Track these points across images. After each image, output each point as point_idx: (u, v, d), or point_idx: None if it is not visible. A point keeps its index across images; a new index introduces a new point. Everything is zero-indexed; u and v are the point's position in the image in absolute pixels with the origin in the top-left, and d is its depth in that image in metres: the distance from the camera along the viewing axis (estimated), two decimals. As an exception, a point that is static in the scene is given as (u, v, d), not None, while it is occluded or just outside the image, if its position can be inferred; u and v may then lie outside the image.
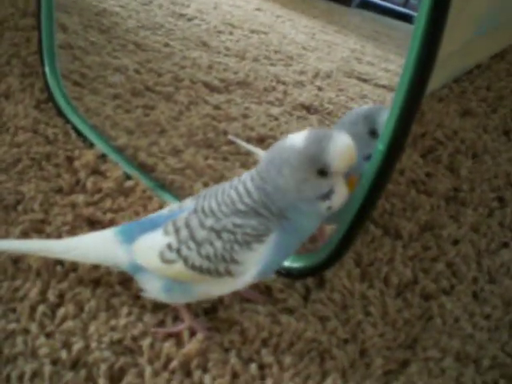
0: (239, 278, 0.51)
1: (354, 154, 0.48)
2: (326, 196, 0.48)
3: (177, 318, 0.55)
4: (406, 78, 0.48)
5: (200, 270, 0.50)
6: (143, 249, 0.53)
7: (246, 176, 0.51)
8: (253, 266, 0.50)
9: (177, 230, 0.51)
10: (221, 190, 0.51)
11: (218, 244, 0.49)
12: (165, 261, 0.51)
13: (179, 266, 0.51)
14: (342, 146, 0.47)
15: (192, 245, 0.50)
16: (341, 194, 0.49)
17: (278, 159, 0.48)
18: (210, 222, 0.50)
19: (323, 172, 0.47)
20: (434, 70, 0.48)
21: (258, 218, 0.49)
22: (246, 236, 0.49)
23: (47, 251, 0.57)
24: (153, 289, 0.53)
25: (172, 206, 0.55)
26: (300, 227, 0.50)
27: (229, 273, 0.50)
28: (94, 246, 0.55)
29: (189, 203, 0.53)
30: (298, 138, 0.48)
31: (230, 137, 0.76)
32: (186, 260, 0.50)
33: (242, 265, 0.50)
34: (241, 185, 0.50)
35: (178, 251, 0.51)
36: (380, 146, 0.50)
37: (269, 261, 0.50)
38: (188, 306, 0.55)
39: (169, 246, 0.51)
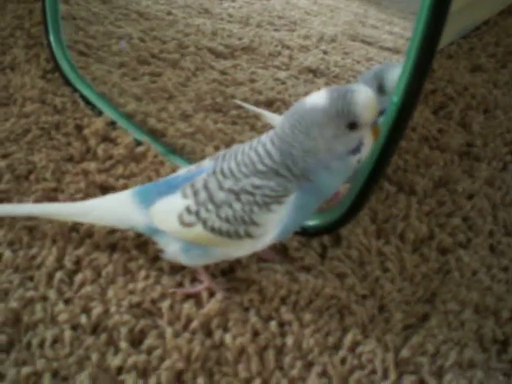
0: (259, 239, 0.50)
1: (377, 103, 0.47)
2: (357, 149, 0.48)
3: (195, 280, 0.55)
4: (420, 29, 0.47)
5: (219, 232, 0.50)
6: (161, 212, 0.52)
7: (266, 138, 0.50)
8: (272, 227, 0.50)
9: (195, 193, 0.50)
10: (240, 151, 0.51)
11: (237, 206, 0.49)
12: (183, 223, 0.51)
13: (198, 229, 0.50)
14: (367, 96, 0.46)
15: (211, 207, 0.50)
16: (368, 145, 0.49)
17: (304, 122, 0.47)
18: (228, 183, 0.49)
19: (353, 125, 0.47)
20: (447, 20, 0.47)
21: (277, 179, 0.48)
22: (265, 197, 0.48)
23: (63, 214, 0.57)
24: (172, 250, 0.53)
25: (190, 167, 0.55)
26: (324, 187, 0.49)
27: (248, 235, 0.50)
28: (111, 208, 0.55)
29: (207, 164, 0.52)
30: (319, 98, 0.47)
31: (236, 101, 0.75)
32: (204, 222, 0.50)
33: (262, 226, 0.49)
34: (260, 146, 0.50)
35: (197, 214, 0.50)
36: (395, 98, 0.50)
37: (288, 222, 0.50)
38: (206, 267, 0.55)
39: (187, 209, 0.51)
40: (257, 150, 0.49)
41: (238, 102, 0.75)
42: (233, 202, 0.49)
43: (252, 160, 0.49)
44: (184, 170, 0.54)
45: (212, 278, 0.55)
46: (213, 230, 0.50)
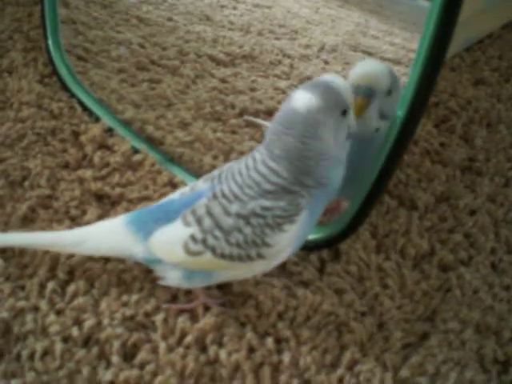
0: (272, 259, 0.49)
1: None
2: (349, 133, 0.49)
3: (190, 292, 0.54)
4: (426, 43, 0.47)
5: (230, 257, 0.48)
6: (162, 242, 0.50)
7: (262, 155, 0.48)
8: (286, 246, 0.49)
9: (199, 220, 0.48)
10: (237, 172, 0.49)
11: (248, 230, 0.47)
12: (190, 253, 0.49)
13: (208, 257, 0.49)
14: (342, 82, 0.48)
15: (219, 234, 0.48)
16: (354, 123, 0.49)
17: (312, 128, 0.46)
18: (235, 207, 0.48)
19: (344, 112, 0.47)
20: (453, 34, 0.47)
21: (288, 197, 0.47)
22: (277, 218, 0.47)
23: (54, 245, 0.54)
24: (172, 278, 0.51)
25: (182, 189, 0.53)
26: (334, 184, 0.49)
27: (261, 256, 0.48)
28: (105, 238, 0.52)
29: (202, 186, 0.50)
30: (308, 100, 0.46)
31: (246, 117, 0.74)
32: (213, 250, 0.48)
33: (275, 247, 0.48)
34: (260, 165, 0.48)
35: (204, 242, 0.48)
36: (399, 112, 0.49)
37: (301, 237, 0.49)
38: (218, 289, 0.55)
39: (192, 238, 0.49)
40: (258, 169, 0.48)
41: (248, 118, 0.74)
42: (242, 226, 0.47)
43: (256, 180, 0.48)
44: (177, 194, 0.52)
45: (207, 292, 0.54)
46: (223, 256, 0.48)
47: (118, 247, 0.52)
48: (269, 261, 0.49)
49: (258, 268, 0.50)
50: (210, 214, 0.48)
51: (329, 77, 0.48)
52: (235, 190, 0.48)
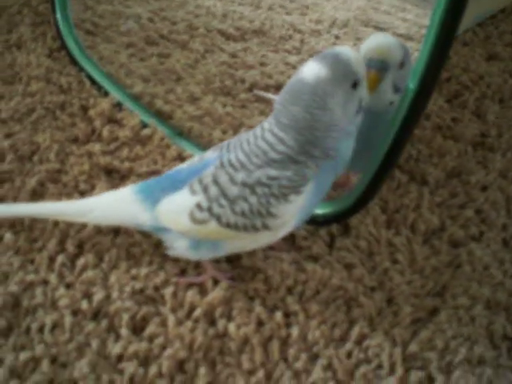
0: (277, 230, 0.49)
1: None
2: (360, 107, 0.48)
3: (199, 266, 0.54)
4: (438, 14, 0.46)
5: (235, 227, 0.48)
6: (169, 211, 0.50)
7: (270, 125, 0.48)
8: (291, 217, 0.48)
9: (205, 188, 0.48)
10: (245, 141, 0.49)
11: (253, 199, 0.47)
12: (196, 221, 0.49)
13: (213, 225, 0.48)
14: (354, 53, 0.47)
15: (224, 202, 0.48)
16: (366, 97, 0.49)
17: (318, 98, 0.46)
18: (241, 176, 0.47)
19: (355, 84, 0.47)
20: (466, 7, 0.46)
21: (294, 167, 0.47)
22: (283, 188, 0.47)
23: (63, 214, 0.54)
24: (179, 247, 0.51)
25: (192, 159, 0.53)
26: (344, 157, 0.49)
27: (266, 227, 0.48)
28: (113, 208, 0.52)
29: (210, 155, 0.50)
30: (317, 70, 0.46)
31: (256, 91, 0.74)
32: (219, 218, 0.48)
33: (280, 217, 0.48)
34: (268, 133, 0.48)
35: (210, 210, 0.48)
36: (411, 85, 0.48)
37: (307, 208, 0.49)
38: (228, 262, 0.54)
39: (198, 206, 0.48)
40: (265, 137, 0.48)
41: (259, 92, 0.73)
42: (248, 195, 0.47)
43: (262, 149, 0.47)
44: (186, 164, 0.52)
45: (216, 266, 0.54)
46: (228, 225, 0.48)
47: (125, 216, 0.52)
48: (274, 232, 0.49)
49: (263, 239, 0.50)
50: (216, 182, 0.48)
51: (341, 48, 0.47)
52: (242, 159, 0.48)
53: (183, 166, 0.52)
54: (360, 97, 0.48)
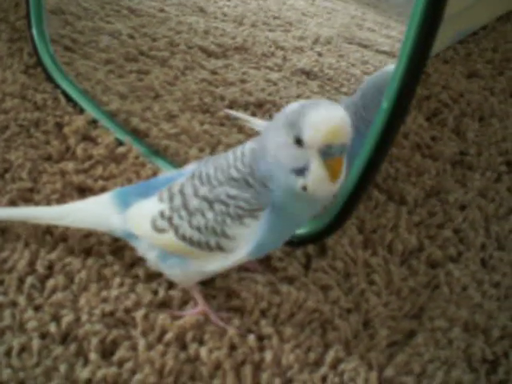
0: (230, 253, 0.48)
1: (338, 131, 0.42)
2: (301, 171, 0.43)
3: (171, 287, 0.53)
4: (412, 32, 0.45)
5: (190, 241, 0.48)
6: (136, 216, 0.50)
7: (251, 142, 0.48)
8: (245, 242, 0.47)
9: (171, 197, 0.48)
10: (223, 156, 0.48)
11: (210, 215, 0.47)
12: (156, 229, 0.49)
13: (169, 236, 0.48)
14: (317, 118, 0.42)
15: (184, 214, 0.47)
16: (317, 176, 0.43)
17: (271, 123, 0.46)
18: (203, 190, 0.47)
19: (299, 141, 0.42)
20: (440, 25, 0.45)
21: (250, 190, 0.46)
22: (239, 209, 0.46)
23: (39, 218, 0.54)
24: (150, 258, 0.51)
25: (174, 170, 0.53)
26: (288, 207, 0.46)
27: (219, 248, 0.47)
28: (89, 211, 0.53)
29: (190, 167, 0.51)
30: (295, 104, 0.45)
31: (226, 110, 0.73)
32: (176, 229, 0.48)
33: (234, 240, 0.47)
34: (239, 150, 0.47)
35: (170, 219, 0.48)
36: (384, 104, 0.48)
37: (262, 239, 0.47)
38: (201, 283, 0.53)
39: (161, 214, 0.49)
40: (235, 152, 0.47)
41: (228, 111, 0.72)
42: (206, 210, 0.47)
43: (228, 164, 0.47)
44: (168, 173, 0.53)
45: (210, 303, 0.53)
46: (184, 238, 0.48)
47: (100, 219, 0.52)
48: (227, 254, 0.47)
49: (216, 261, 0.48)
50: (182, 193, 0.48)
51: (332, 110, 0.43)
52: (210, 173, 0.47)
53: (166, 175, 0.53)
54: (304, 161, 0.43)
